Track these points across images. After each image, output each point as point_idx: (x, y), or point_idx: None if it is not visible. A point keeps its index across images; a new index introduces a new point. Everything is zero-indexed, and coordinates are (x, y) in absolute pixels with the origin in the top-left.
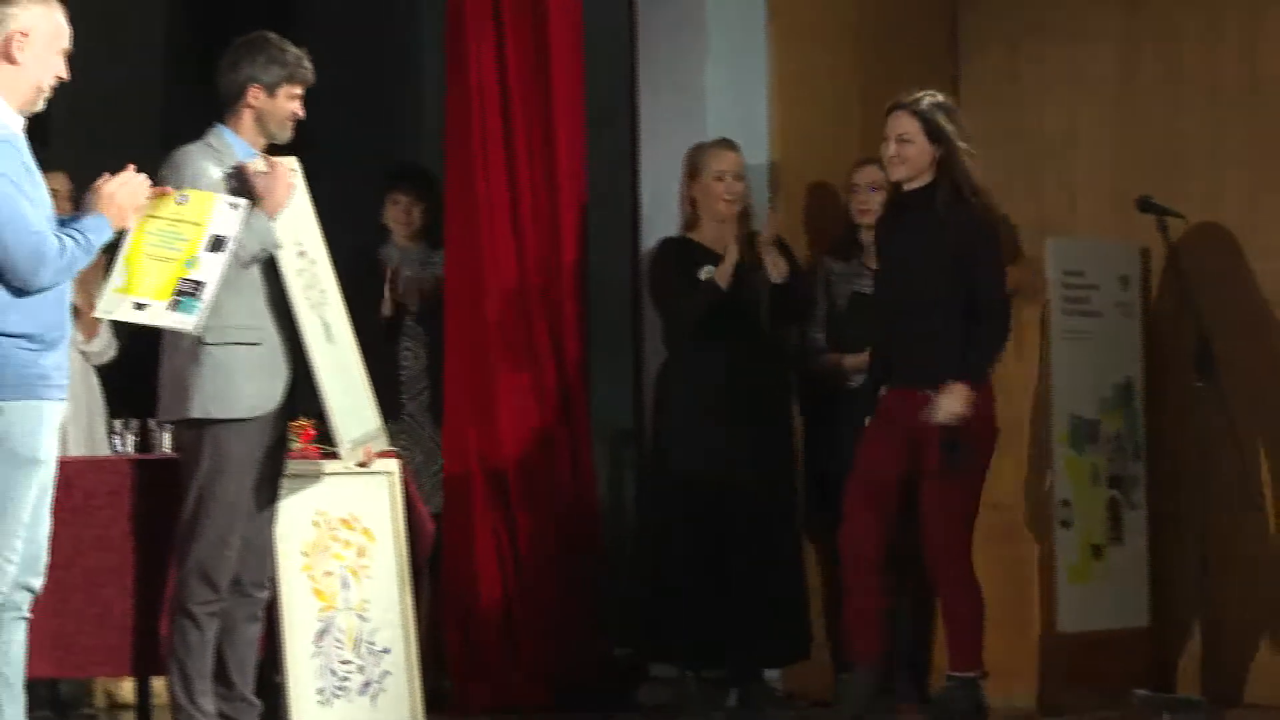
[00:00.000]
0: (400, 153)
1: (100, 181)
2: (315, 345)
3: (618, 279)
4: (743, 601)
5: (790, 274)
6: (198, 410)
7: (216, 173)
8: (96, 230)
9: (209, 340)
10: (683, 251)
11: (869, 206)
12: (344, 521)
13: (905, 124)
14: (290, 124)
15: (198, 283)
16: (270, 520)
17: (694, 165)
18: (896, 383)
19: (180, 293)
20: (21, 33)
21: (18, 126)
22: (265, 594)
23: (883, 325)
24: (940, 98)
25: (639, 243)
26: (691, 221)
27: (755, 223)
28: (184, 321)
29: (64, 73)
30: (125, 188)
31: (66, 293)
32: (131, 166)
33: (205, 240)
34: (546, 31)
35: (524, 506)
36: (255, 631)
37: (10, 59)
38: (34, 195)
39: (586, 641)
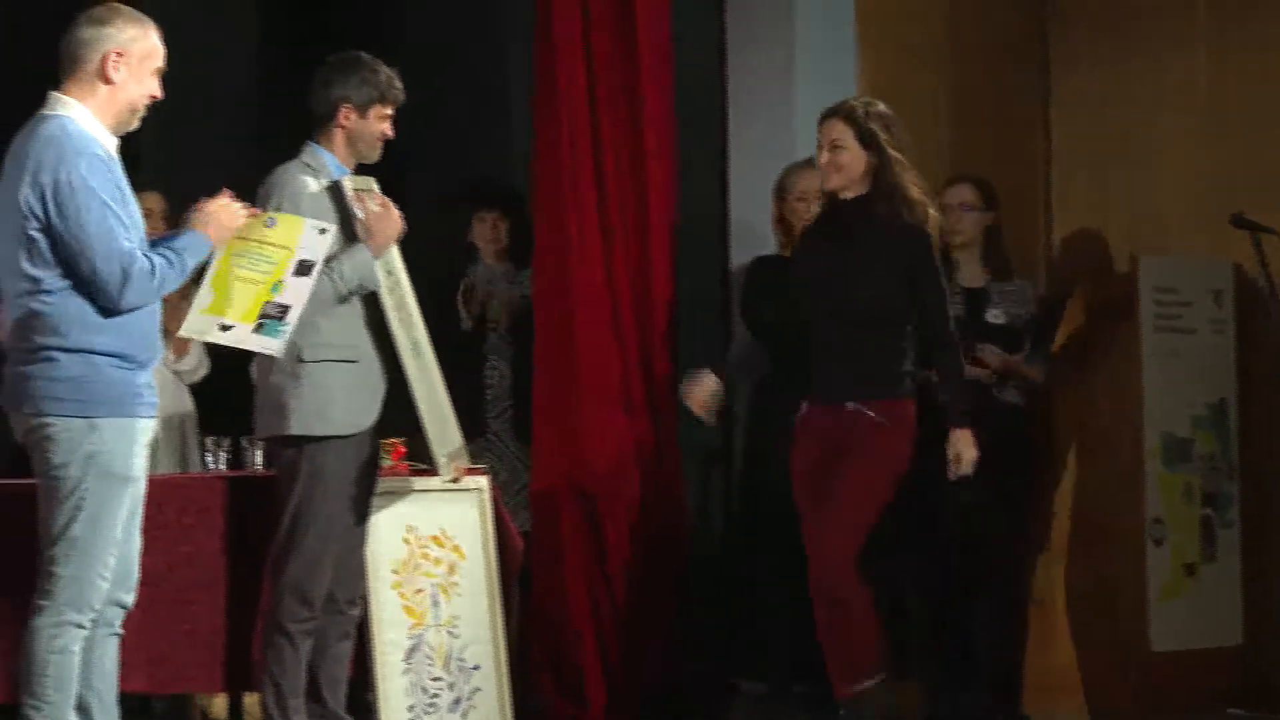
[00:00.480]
0: (487, 170)
1: (202, 202)
2: (409, 363)
3: (707, 297)
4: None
5: None
6: (296, 427)
7: (315, 187)
8: (193, 248)
9: (306, 358)
10: (773, 271)
11: (959, 227)
12: (434, 538)
13: (838, 130)
14: (380, 144)
15: (284, 306)
16: (363, 538)
17: (781, 186)
18: (819, 397)
19: (265, 315)
20: (118, 52)
21: (112, 145)
22: (357, 612)
23: (809, 336)
24: (879, 106)
25: (728, 261)
26: (783, 241)
27: None
28: (268, 345)
29: (158, 92)
30: (225, 209)
31: (157, 312)
32: (227, 191)
33: (292, 265)
34: (636, 49)
35: (612, 524)
36: (347, 649)
37: (106, 78)
38: (126, 214)
39: (675, 657)
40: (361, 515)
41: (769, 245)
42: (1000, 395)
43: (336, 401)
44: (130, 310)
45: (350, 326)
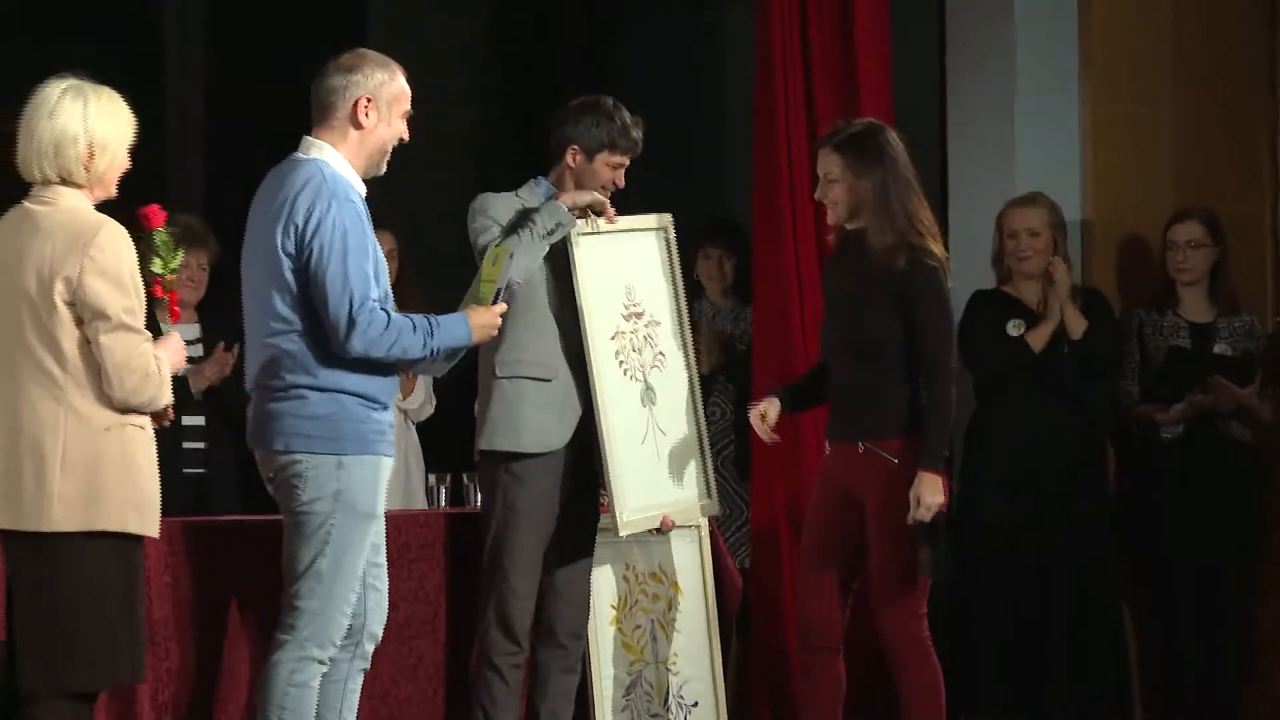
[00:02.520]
0: (710, 207)
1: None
2: (608, 404)
3: None
4: (1058, 655)
5: (1090, 329)
6: (485, 442)
7: (507, 219)
8: (453, 331)
9: (500, 374)
10: (992, 304)
11: (1187, 264)
12: (653, 575)
13: (828, 163)
14: (606, 192)
15: None
16: (583, 571)
17: (999, 221)
18: (834, 436)
19: None
20: (367, 98)
21: (362, 190)
22: (580, 645)
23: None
24: (870, 125)
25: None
26: (1004, 277)
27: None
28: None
29: (406, 134)
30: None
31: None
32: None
33: (496, 296)
34: (855, 82)
35: None
36: (570, 683)
37: (357, 124)
38: (372, 263)
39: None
40: (571, 548)
41: (986, 279)
42: (1228, 431)
43: (525, 418)
44: (355, 357)
45: (548, 348)
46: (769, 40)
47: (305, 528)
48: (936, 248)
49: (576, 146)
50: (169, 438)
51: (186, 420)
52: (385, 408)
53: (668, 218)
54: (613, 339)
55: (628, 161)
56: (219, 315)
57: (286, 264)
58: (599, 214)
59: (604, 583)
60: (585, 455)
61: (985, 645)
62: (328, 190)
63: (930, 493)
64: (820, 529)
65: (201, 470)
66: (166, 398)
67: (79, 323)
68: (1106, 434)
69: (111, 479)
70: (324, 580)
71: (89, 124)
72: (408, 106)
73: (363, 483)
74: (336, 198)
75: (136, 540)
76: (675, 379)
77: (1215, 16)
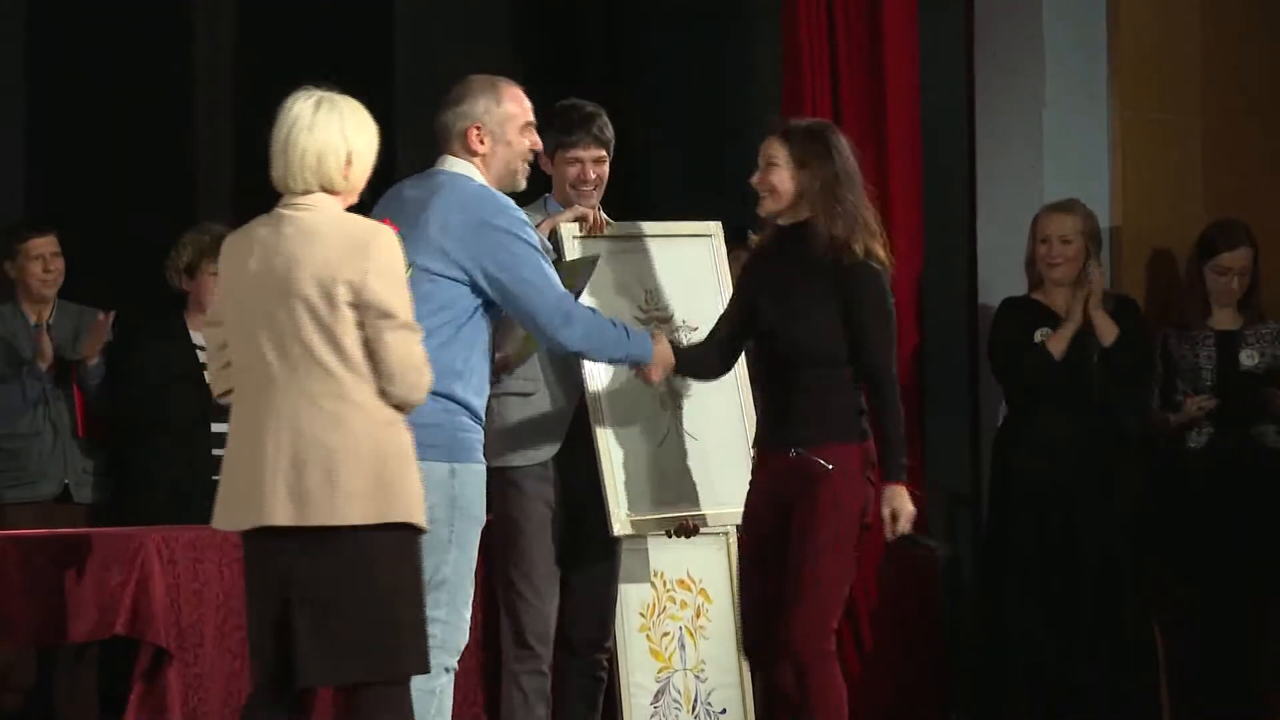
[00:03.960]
0: (736, 213)
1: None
2: (606, 404)
3: (954, 340)
4: (1091, 665)
5: (1121, 336)
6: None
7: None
8: (640, 344)
9: (493, 393)
10: (1021, 312)
11: (1233, 287)
12: (681, 582)
13: (773, 150)
14: (573, 189)
15: None
16: (603, 581)
17: (1033, 225)
18: (764, 442)
19: None
20: (476, 127)
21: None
22: (602, 654)
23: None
24: (820, 121)
25: (975, 304)
26: (1035, 282)
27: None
28: None
29: (535, 143)
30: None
31: None
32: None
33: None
34: (883, 92)
35: (861, 569)
36: (594, 690)
37: (474, 152)
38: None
39: (925, 705)
40: (585, 555)
41: (1012, 288)
42: (1261, 440)
43: (510, 435)
44: (569, 349)
45: (532, 362)
46: (796, 52)
47: (430, 537)
48: (884, 253)
49: (544, 155)
50: (199, 445)
51: (216, 428)
52: (482, 421)
53: (716, 225)
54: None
55: (592, 153)
56: None
57: (429, 275)
58: (588, 223)
59: (632, 589)
60: (585, 467)
61: (1019, 656)
62: (482, 197)
63: (902, 504)
64: (756, 543)
65: None
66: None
67: (359, 324)
68: (1136, 444)
69: (397, 472)
70: (448, 589)
71: (347, 135)
72: (525, 119)
73: (472, 490)
74: (498, 204)
75: (418, 532)
76: (718, 385)
77: (1245, 23)
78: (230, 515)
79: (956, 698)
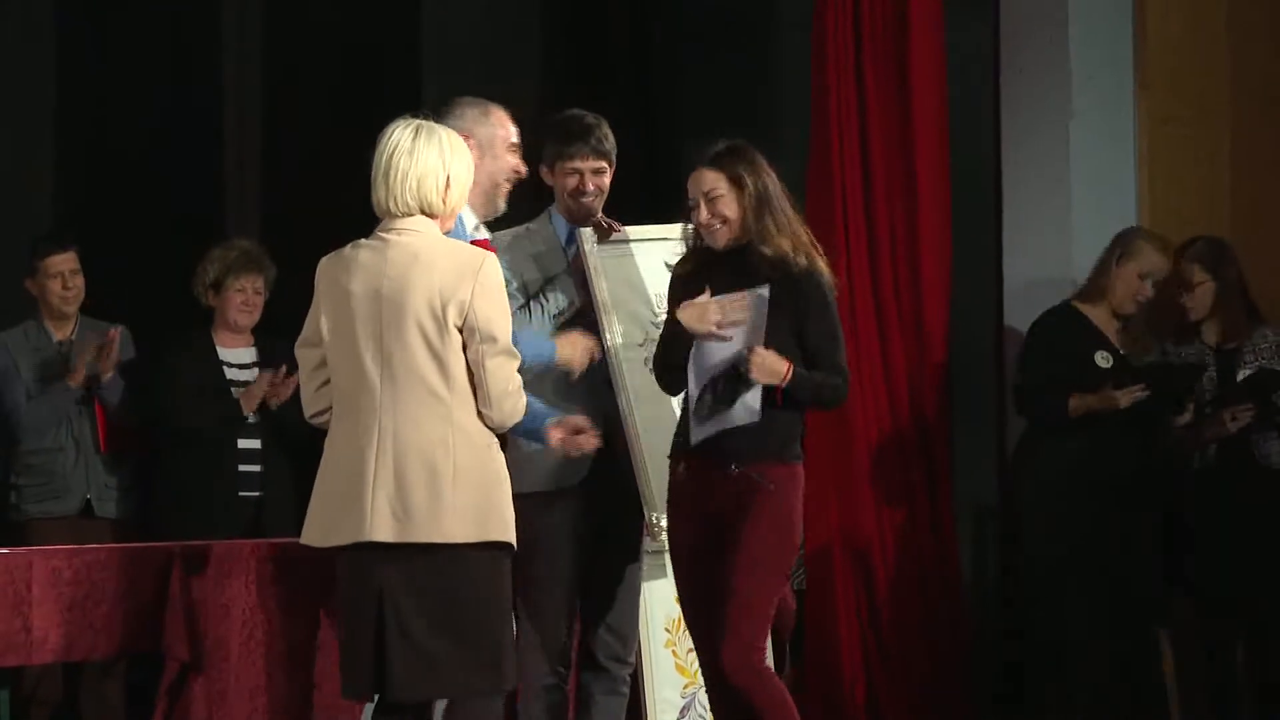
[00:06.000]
0: None
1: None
2: (636, 408)
3: (980, 354)
4: (1105, 681)
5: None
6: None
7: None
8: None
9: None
10: (1070, 325)
11: (1193, 304)
12: None
13: (709, 181)
14: (572, 199)
15: None
16: (624, 598)
17: (1124, 247)
18: (699, 458)
19: None
20: (466, 136)
21: (470, 226)
22: (624, 669)
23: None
24: (740, 141)
25: (1001, 318)
26: (1092, 293)
27: None
28: None
29: (513, 167)
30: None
31: None
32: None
33: None
34: (910, 105)
35: (886, 583)
36: (616, 705)
37: None
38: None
39: (956, 713)
40: (607, 574)
41: (1039, 301)
42: (1263, 459)
43: (533, 459)
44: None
45: (545, 388)
46: (824, 67)
47: None
48: (822, 262)
49: (544, 167)
50: (225, 461)
51: (242, 444)
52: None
53: None
54: (641, 345)
55: (590, 164)
56: (276, 338)
57: None
58: (603, 228)
59: (657, 605)
60: (617, 483)
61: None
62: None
63: (774, 361)
64: (691, 562)
65: (258, 493)
66: None
67: (464, 347)
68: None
69: (496, 492)
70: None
71: (445, 159)
72: (508, 141)
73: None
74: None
75: (510, 550)
76: None
77: (1272, 35)
78: (325, 531)
79: (985, 707)
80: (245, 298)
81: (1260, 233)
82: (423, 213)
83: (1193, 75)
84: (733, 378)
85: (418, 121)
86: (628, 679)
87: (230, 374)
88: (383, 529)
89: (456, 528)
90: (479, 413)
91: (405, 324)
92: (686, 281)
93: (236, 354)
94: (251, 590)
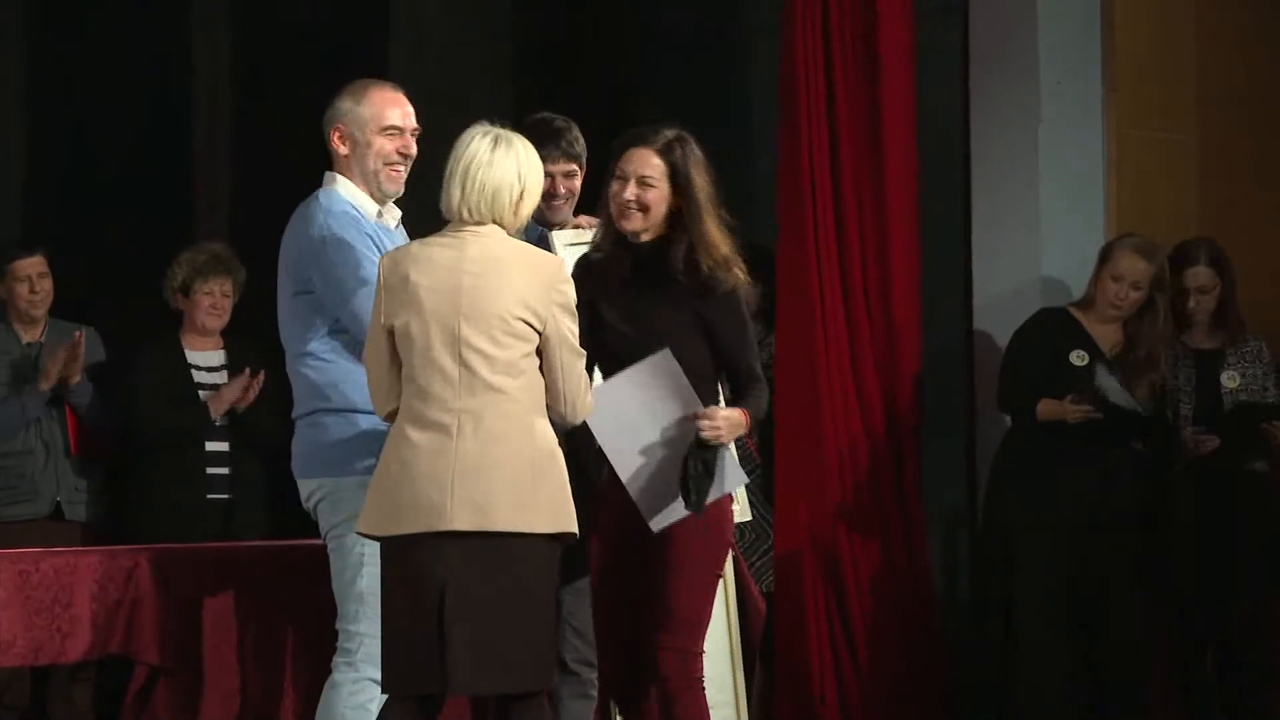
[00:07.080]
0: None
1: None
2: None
3: (951, 360)
4: (1089, 684)
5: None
6: None
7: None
8: None
9: None
10: (1053, 323)
11: (1199, 308)
12: None
13: (650, 165)
14: (548, 203)
15: None
16: (581, 605)
17: (1106, 255)
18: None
19: None
20: (338, 127)
21: (371, 211)
22: (592, 673)
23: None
24: (684, 134)
25: (971, 323)
26: (1084, 299)
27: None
28: None
29: (387, 153)
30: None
31: None
32: None
33: None
34: (879, 109)
35: (856, 586)
36: (584, 708)
37: (340, 153)
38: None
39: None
40: (567, 575)
41: (1013, 304)
42: (1246, 463)
43: None
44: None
45: None
46: (793, 70)
47: (339, 551)
48: (740, 271)
49: None
50: (193, 464)
51: (210, 446)
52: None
53: None
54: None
55: (561, 167)
56: (245, 341)
57: (296, 289)
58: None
59: None
60: (584, 490)
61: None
62: (319, 208)
63: (729, 420)
64: (612, 574)
65: (227, 496)
66: None
67: (539, 350)
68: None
69: (567, 487)
70: (368, 601)
71: (521, 172)
72: (388, 123)
73: None
74: (330, 213)
75: (562, 543)
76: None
77: (1240, 41)
78: (390, 520)
79: (957, 712)
80: (214, 300)
81: (1229, 238)
82: (494, 222)
83: (1162, 81)
84: (696, 450)
85: (496, 130)
86: (595, 682)
87: (199, 377)
88: (463, 518)
89: (538, 518)
90: (546, 408)
91: (485, 320)
92: (596, 272)
93: (205, 356)
94: (221, 594)
